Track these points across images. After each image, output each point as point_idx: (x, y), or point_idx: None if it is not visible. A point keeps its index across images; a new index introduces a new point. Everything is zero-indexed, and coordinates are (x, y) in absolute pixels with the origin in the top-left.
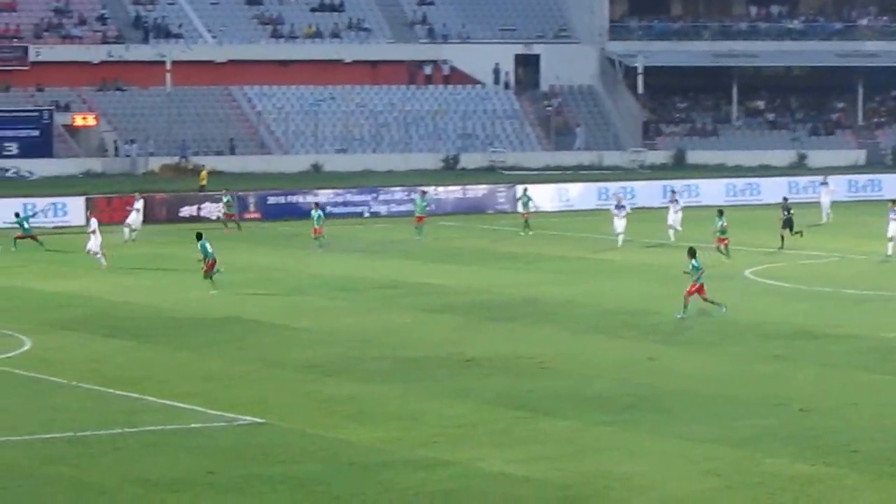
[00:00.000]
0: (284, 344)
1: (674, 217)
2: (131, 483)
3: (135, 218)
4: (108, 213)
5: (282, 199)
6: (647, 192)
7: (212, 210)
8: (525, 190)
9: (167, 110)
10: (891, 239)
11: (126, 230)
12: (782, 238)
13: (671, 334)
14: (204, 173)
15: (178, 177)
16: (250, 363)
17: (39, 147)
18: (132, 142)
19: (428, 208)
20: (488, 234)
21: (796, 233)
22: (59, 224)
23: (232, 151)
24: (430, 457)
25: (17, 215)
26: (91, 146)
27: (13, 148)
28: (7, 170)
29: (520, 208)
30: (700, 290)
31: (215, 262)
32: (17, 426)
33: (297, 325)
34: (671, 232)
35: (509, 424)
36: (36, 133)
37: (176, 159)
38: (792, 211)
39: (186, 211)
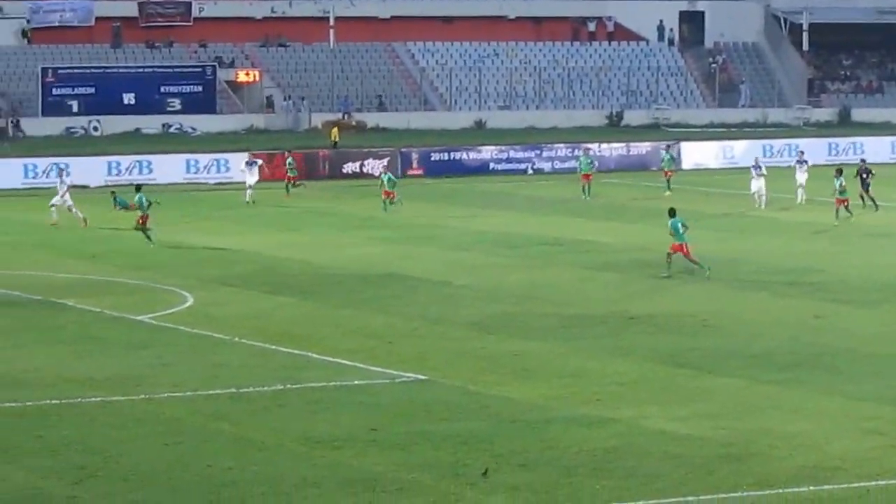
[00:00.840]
0: (446, 301)
1: (801, 177)
2: (293, 440)
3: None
4: (270, 169)
5: (445, 156)
6: (813, 149)
7: (375, 166)
8: (668, 147)
9: (330, 66)
10: None
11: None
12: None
13: (837, 292)
14: (335, 130)
15: (341, 133)
16: (412, 320)
17: (202, 103)
18: (297, 98)
19: (593, 166)
20: (651, 191)
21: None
22: (222, 180)
23: (391, 108)
24: (593, 414)
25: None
26: (253, 102)
27: (176, 104)
28: (171, 125)
29: (663, 166)
30: (681, 249)
31: (147, 217)
32: (180, 382)
33: (459, 282)
34: (799, 192)
35: (672, 382)
36: (199, 89)
37: (338, 115)
38: (872, 172)
39: (349, 167)
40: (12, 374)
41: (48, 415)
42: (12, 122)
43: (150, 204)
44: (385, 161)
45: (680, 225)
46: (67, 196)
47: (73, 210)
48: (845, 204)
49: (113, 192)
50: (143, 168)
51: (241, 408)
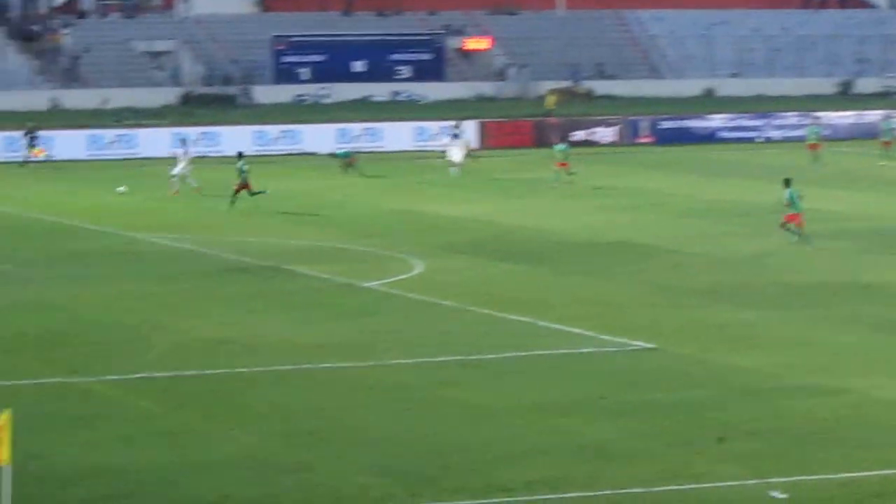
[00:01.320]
0: (677, 269)
1: None
2: (523, 407)
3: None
4: (499, 138)
5: (674, 124)
6: None
7: (605, 134)
8: (886, 117)
9: (559, 34)
10: None
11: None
12: None
13: None
14: (553, 98)
15: (570, 101)
16: (642, 288)
17: (431, 71)
18: (523, 66)
19: (823, 134)
20: (881, 159)
21: None
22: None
23: (619, 76)
24: (823, 384)
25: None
26: (483, 70)
27: (406, 71)
28: (400, 93)
29: (883, 136)
30: (795, 220)
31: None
32: (409, 349)
33: (689, 250)
34: None
35: None
36: (428, 57)
37: (567, 83)
38: None
39: (578, 135)
40: (244, 339)
41: (279, 380)
42: (243, 89)
43: (247, 171)
44: (615, 128)
45: (796, 196)
46: (186, 166)
47: (189, 180)
48: None
49: (333, 154)
50: (372, 136)
51: (471, 375)
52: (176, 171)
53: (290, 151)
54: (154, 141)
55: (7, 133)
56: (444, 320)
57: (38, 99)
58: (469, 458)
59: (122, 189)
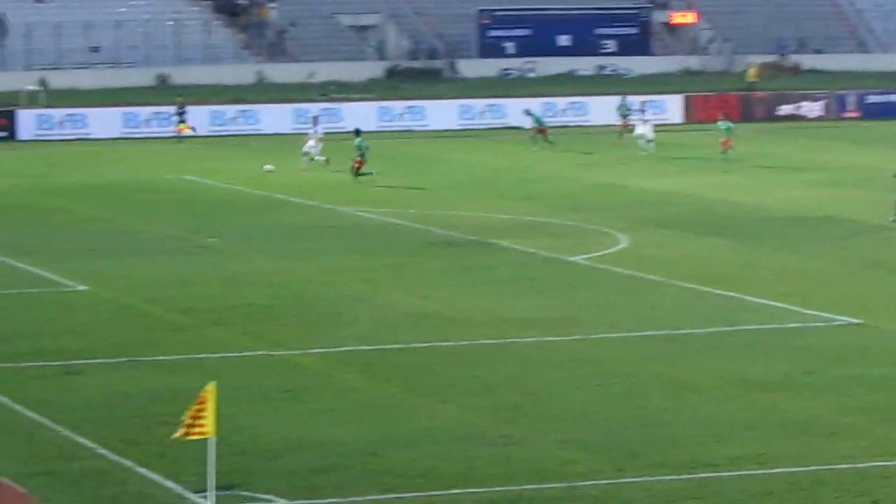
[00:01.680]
0: (885, 245)
1: None
2: (727, 382)
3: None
4: (705, 111)
5: (882, 98)
6: None
7: (811, 109)
8: None
9: (765, 8)
10: None
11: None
12: None
13: None
14: (753, 71)
15: (776, 75)
16: (848, 263)
17: (637, 45)
18: (728, 40)
19: None
20: None
21: None
22: (658, 122)
23: (826, 50)
24: None
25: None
26: (688, 44)
27: (611, 45)
28: (605, 67)
29: None
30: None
31: (362, 162)
32: (614, 323)
33: None
34: None
35: None
36: (634, 31)
37: (773, 57)
38: None
39: (784, 110)
40: (449, 313)
41: (483, 354)
42: (449, 63)
43: (366, 149)
44: (822, 102)
45: None
46: (316, 144)
47: (317, 158)
48: None
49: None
50: (577, 110)
51: (676, 349)
52: (307, 148)
53: (495, 126)
54: (359, 115)
55: (213, 107)
56: (648, 295)
57: (244, 73)
58: (673, 433)
59: (269, 167)
